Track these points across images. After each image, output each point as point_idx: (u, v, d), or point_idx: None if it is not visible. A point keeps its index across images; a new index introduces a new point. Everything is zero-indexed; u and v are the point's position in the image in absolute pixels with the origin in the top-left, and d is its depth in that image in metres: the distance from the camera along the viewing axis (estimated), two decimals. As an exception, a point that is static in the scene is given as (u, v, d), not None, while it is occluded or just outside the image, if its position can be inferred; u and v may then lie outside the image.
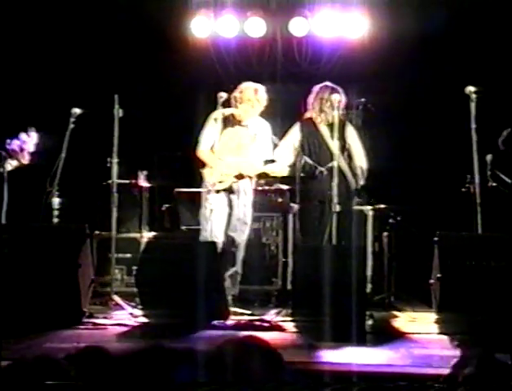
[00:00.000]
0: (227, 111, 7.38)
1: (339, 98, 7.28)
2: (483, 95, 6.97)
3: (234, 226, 7.31)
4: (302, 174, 7.39)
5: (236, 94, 7.37)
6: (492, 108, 7.56)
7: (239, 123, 7.39)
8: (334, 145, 7.17)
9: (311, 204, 7.35)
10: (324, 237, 7.17)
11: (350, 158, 7.37)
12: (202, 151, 7.39)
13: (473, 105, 6.97)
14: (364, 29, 8.91)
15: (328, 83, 7.45)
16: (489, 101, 7.08)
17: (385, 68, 8.64)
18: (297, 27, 9.00)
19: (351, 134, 7.37)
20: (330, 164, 7.17)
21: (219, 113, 7.34)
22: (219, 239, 7.16)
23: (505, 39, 8.51)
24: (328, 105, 7.33)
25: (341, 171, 7.21)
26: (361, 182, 7.37)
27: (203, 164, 7.41)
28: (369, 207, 7.76)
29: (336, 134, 7.09)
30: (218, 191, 7.24)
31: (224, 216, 7.29)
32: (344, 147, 7.29)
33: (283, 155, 7.42)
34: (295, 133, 7.44)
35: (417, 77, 8.66)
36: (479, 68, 8.24)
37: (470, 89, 7.00)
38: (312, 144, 7.37)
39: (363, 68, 8.69)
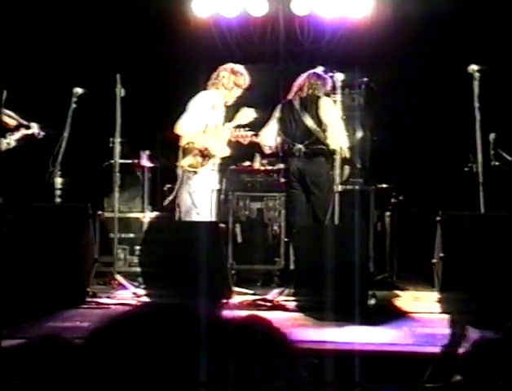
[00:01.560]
0: (221, 97, 7.32)
1: (317, 79, 7.29)
2: (486, 74, 6.95)
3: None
4: (281, 153, 7.41)
5: (239, 79, 7.30)
6: (496, 87, 7.54)
7: (222, 106, 7.35)
8: (307, 120, 7.16)
9: (294, 182, 7.35)
10: (311, 216, 7.20)
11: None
12: (193, 131, 7.25)
13: (476, 84, 6.94)
14: (368, 9, 8.87)
15: (313, 70, 7.42)
16: (492, 80, 7.06)
17: (387, 48, 8.61)
18: (300, 6, 8.97)
19: (325, 106, 7.27)
20: (307, 141, 7.17)
21: (216, 99, 7.27)
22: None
23: (509, 18, 8.47)
24: (306, 83, 7.32)
25: (320, 147, 7.19)
26: (346, 151, 7.26)
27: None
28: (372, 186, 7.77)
29: (308, 108, 7.15)
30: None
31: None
32: (320, 122, 7.24)
33: (267, 135, 7.42)
34: (275, 114, 7.43)
35: (420, 56, 8.64)
36: (482, 47, 8.20)
37: (473, 67, 6.98)
38: (289, 122, 7.36)
39: (365, 48, 8.66)
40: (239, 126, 7.36)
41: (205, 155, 7.17)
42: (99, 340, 1.60)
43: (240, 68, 7.37)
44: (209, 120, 7.20)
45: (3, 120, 7.35)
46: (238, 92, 7.35)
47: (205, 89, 7.37)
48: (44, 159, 7.47)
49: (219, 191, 7.41)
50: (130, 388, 1.50)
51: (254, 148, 7.71)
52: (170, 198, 7.30)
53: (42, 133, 7.45)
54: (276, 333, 1.76)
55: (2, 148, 7.34)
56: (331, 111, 7.24)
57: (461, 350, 2.51)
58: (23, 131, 7.39)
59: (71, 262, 6.32)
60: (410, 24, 8.53)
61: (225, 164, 7.54)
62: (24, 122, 7.42)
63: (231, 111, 7.40)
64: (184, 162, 7.17)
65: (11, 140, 7.37)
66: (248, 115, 7.24)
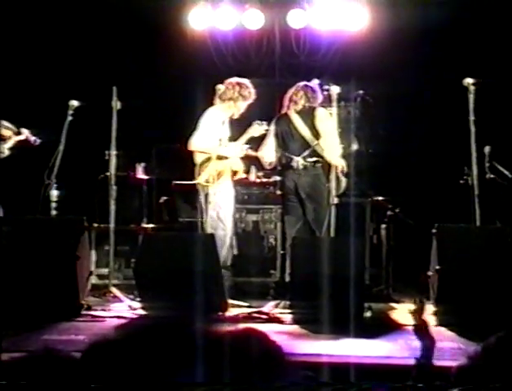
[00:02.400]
0: (229, 111, 7.34)
1: (310, 92, 7.31)
2: (481, 87, 6.97)
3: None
4: (279, 167, 7.42)
5: (245, 91, 7.32)
6: (491, 100, 7.56)
7: (226, 121, 7.38)
8: (305, 131, 7.18)
9: (290, 195, 7.35)
10: (307, 228, 7.21)
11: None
12: (205, 145, 7.27)
13: (471, 97, 6.96)
14: (363, 22, 8.89)
15: (305, 82, 7.43)
16: (487, 93, 7.08)
17: (383, 61, 8.63)
18: (295, 19, 8.99)
19: (320, 117, 7.25)
20: (306, 152, 7.18)
21: (223, 115, 7.30)
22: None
23: (504, 31, 8.51)
24: (299, 95, 7.33)
25: (318, 159, 7.20)
26: (341, 164, 7.26)
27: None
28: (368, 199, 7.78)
29: (305, 120, 7.18)
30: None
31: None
32: (317, 133, 7.24)
33: (268, 152, 7.44)
34: (272, 128, 7.43)
35: (415, 70, 8.66)
36: (478, 60, 8.23)
37: (469, 81, 7.00)
38: (286, 136, 7.36)
39: (361, 61, 8.69)
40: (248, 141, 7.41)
41: (219, 171, 7.19)
42: (96, 354, 1.60)
43: (245, 80, 7.40)
44: (221, 135, 7.23)
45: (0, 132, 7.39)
46: (244, 105, 7.36)
47: (211, 104, 7.38)
48: (40, 171, 7.47)
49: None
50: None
51: (250, 161, 7.72)
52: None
53: (39, 141, 7.48)
54: (272, 346, 1.76)
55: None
56: (326, 121, 7.24)
57: (454, 363, 2.51)
58: (14, 138, 7.43)
59: (66, 275, 6.30)
60: (405, 38, 8.55)
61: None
62: (15, 129, 7.45)
63: (236, 124, 7.43)
64: (200, 179, 7.19)
65: (4, 149, 7.41)
66: (260, 128, 7.27)
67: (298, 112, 7.30)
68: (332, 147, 7.18)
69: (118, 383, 1.52)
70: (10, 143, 7.46)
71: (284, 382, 1.65)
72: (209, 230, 7.10)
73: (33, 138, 7.46)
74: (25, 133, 7.40)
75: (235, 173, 7.40)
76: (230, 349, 1.61)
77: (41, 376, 1.72)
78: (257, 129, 7.26)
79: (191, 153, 7.32)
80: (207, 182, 7.18)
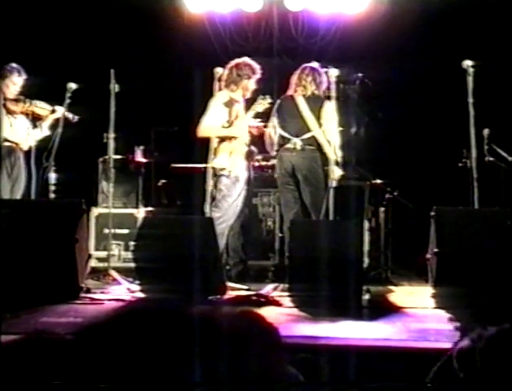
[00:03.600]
0: (236, 93, 7.29)
1: (318, 77, 7.28)
2: (480, 69, 6.95)
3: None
4: (276, 147, 7.40)
5: (244, 70, 7.26)
6: (490, 82, 7.55)
7: (237, 102, 7.32)
8: (309, 117, 7.17)
9: (287, 177, 7.34)
10: (305, 211, 7.21)
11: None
12: (211, 126, 7.18)
13: (470, 79, 6.95)
14: (362, 4, 8.86)
15: (311, 64, 7.41)
16: (486, 75, 7.06)
17: (382, 44, 8.62)
18: (294, 1, 8.95)
19: (327, 110, 7.25)
20: (306, 136, 7.18)
21: (232, 98, 7.25)
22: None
23: (503, 13, 8.48)
24: (308, 80, 7.31)
25: (317, 143, 7.20)
26: (338, 156, 7.25)
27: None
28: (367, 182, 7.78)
29: (311, 107, 7.17)
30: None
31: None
32: (319, 121, 7.23)
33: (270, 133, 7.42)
34: (275, 111, 7.40)
35: (414, 52, 8.64)
36: (477, 43, 8.21)
37: (468, 63, 6.98)
38: (288, 116, 7.33)
39: (360, 43, 8.67)
40: (256, 116, 7.35)
41: (231, 150, 7.15)
42: (91, 336, 1.60)
43: (242, 59, 7.32)
44: (225, 117, 7.17)
45: (35, 112, 7.49)
46: (251, 82, 7.29)
47: (210, 87, 7.36)
48: (38, 154, 7.48)
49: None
50: (122, 385, 1.50)
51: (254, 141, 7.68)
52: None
53: (77, 117, 7.54)
54: (268, 327, 1.75)
55: (36, 138, 7.51)
56: (332, 116, 7.24)
57: (455, 346, 2.51)
58: (51, 116, 7.51)
59: (65, 258, 6.30)
60: (404, 20, 8.52)
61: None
62: (50, 108, 7.53)
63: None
64: (215, 162, 7.14)
65: (43, 128, 7.53)
66: (264, 102, 7.21)
67: (305, 98, 7.28)
68: (332, 140, 7.18)
69: (111, 367, 1.52)
70: (48, 122, 7.57)
71: (280, 364, 1.65)
72: (210, 214, 7.08)
73: (70, 115, 7.53)
74: (61, 111, 7.46)
75: (250, 153, 7.35)
76: (225, 330, 1.60)
77: (33, 358, 1.72)
78: (261, 103, 7.20)
79: (200, 138, 7.26)
80: (221, 163, 7.12)
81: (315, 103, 7.24)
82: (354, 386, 1.95)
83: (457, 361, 2.38)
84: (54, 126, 7.52)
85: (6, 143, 7.41)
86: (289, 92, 7.41)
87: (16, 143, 7.50)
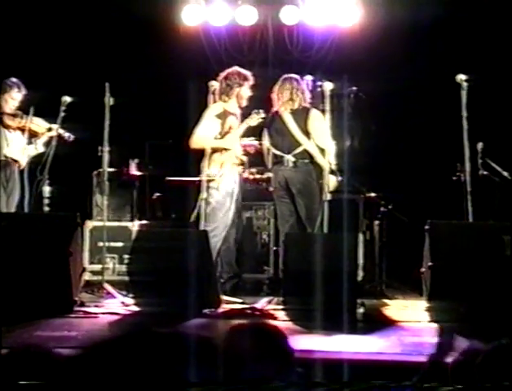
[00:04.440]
0: (229, 104, 7.30)
1: (297, 85, 7.30)
2: (474, 83, 6.98)
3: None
4: (270, 164, 7.42)
5: (234, 79, 7.27)
6: (483, 97, 7.57)
7: (232, 114, 7.33)
8: (297, 132, 7.18)
9: (282, 191, 7.35)
10: (299, 225, 7.21)
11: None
12: (203, 137, 7.21)
13: (464, 93, 6.97)
14: (356, 18, 8.89)
15: (288, 75, 7.43)
16: (480, 89, 7.09)
17: (376, 57, 8.63)
18: (289, 15, 8.97)
19: (314, 119, 7.26)
20: (297, 150, 7.19)
21: (226, 109, 7.27)
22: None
23: (497, 27, 8.52)
24: (289, 92, 7.32)
25: (310, 155, 7.21)
26: (332, 164, 7.25)
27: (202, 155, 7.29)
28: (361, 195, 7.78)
29: (297, 119, 7.20)
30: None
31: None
32: (308, 132, 7.24)
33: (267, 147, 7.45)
34: (265, 127, 7.43)
35: (409, 66, 8.66)
36: (470, 57, 8.24)
37: (461, 77, 7.01)
38: (277, 133, 7.35)
39: (354, 57, 8.69)
40: (247, 135, 7.37)
41: (222, 162, 7.15)
42: (90, 355, 1.60)
43: (232, 69, 7.35)
44: (218, 129, 7.19)
45: (32, 128, 7.47)
46: (243, 90, 7.30)
47: (205, 100, 7.37)
48: (33, 167, 7.48)
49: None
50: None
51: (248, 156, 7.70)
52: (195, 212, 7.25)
53: (73, 137, 7.53)
54: (283, 341, 1.76)
55: (30, 154, 7.50)
56: (320, 123, 7.24)
57: (448, 359, 2.51)
58: (47, 134, 7.50)
59: (59, 271, 6.29)
60: (399, 34, 8.55)
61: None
62: (47, 125, 7.52)
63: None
64: (208, 171, 7.14)
65: (38, 145, 7.52)
66: (257, 117, 7.22)
67: (291, 112, 7.29)
68: (325, 148, 7.19)
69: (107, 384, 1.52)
70: (43, 139, 7.56)
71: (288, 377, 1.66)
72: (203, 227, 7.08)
73: (66, 135, 7.52)
74: (56, 130, 7.45)
75: (241, 164, 7.36)
76: (240, 339, 1.60)
77: (22, 372, 1.72)
78: (254, 118, 7.22)
79: (194, 150, 7.27)
80: (211, 175, 7.12)
81: (301, 115, 7.25)
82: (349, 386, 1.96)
83: (452, 375, 2.38)
84: (48, 144, 7.51)
85: (2, 157, 7.41)
86: (275, 108, 7.42)
87: (12, 158, 7.50)
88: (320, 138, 7.21)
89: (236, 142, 7.25)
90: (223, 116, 7.22)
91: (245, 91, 7.31)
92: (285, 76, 7.43)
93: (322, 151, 7.20)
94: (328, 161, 7.17)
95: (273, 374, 1.59)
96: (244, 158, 7.45)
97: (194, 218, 7.20)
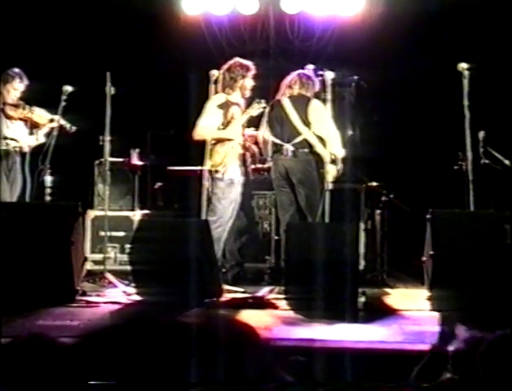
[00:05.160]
0: (232, 95, 7.29)
1: (306, 79, 7.30)
2: (475, 72, 6.96)
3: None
4: (270, 153, 7.40)
5: (237, 70, 7.25)
6: (485, 85, 7.56)
7: (235, 104, 7.31)
8: (296, 120, 7.17)
9: (282, 180, 7.35)
10: (300, 214, 7.21)
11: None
12: (206, 128, 7.18)
13: (465, 82, 6.96)
14: (358, 7, 8.87)
15: (303, 71, 7.41)
16: (482, 78, 7.07)
17: (378, 46, 8.62)
18: (290, 4, 8.96)
19: (315, 108, 7.25)
20: (297, 140, 7.18)
21: (229, 99, 7.25)
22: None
23: (499, 15, 8.49)
24: (296, 82, 7.32)
25: (310, 145, 7.19)
26: (336, 152, 7.24)
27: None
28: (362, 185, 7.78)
29: (297, 108, 7.17)
30: None
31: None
32: (308, 124, 7.23)
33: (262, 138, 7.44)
34: (265, 116, 7.41)
35: (410, 54, 8.64)
36: (472, 45, 8.22)
37: (463, 65, 7.00)
38: (277, 122, 7.34)
39: (355, 46, 8.67)
40: (248, 126, 7.36)
41: (226, 153, 7.14)
42: (87, 342, 1.60)
43: (234, 60, 7.31)
44: (220, 119, 7.17)
45: (33, 119, 7.46)
46: (247, 81, 7.28)
47: (206, 89, 7.34)
48: (34, 157, 7.48)
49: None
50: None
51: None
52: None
53: (74, 128, 7.52)
54: (246, 330, 1.75)
55: (31, 145, 7.49)
56: (322, 112, 7.22)
57: (450, 348, 2.51)
58: (48, 125, 7.49)
59: (61, 260, 6.30)
60: (400, 22, 8.54)
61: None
62: (49, 116, 7.51)
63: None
64: (209, 164, 7.13)
65: (39, 135, 7.51)
66: (258, 106, 7.21)
67: (291, 99, 7.28)
68: (326, 137, 7.18)
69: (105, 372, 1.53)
70: (44, 130, 7.55)
71: (260, 365, 1.65)
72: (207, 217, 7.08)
73: (68, 126, 7.51)
74: (58, 121, 7.44)
75: (244, 155, 7.34)
76: (204, 336, 1.60)
77: (27, 362, 1.73)
78: (255, 107, 7.21)
79: (196, 141, 7.26)
80: (213, 166, 7.12)
81: (301, 102, 7.23)
82: (350, 386, 1.95)
83: (452, 363, 2.38)
84: (49, 134, 7.50)
85: (4, 147, 7.41)
86: (277, 96, 7.40)
87: (14, 148, 7.49)
88: (321, 128, 7.19)
89: (238, 132, 7.24)
90: (226, 106, 7.20)
91: (249, 82, 7.29)
92: (297, 71, 7.40)
93: (322, 140, 7.19)
94: (328, 151, 7.16)
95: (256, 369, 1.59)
96: (255, 148, 7.43)
97: (205, 207, 7.18)
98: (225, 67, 7.28)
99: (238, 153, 7.24)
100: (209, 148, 7.14)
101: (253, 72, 7.30)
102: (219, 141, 7.18)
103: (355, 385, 1.96)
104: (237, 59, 7.32)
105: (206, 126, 7.14)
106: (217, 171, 7.11)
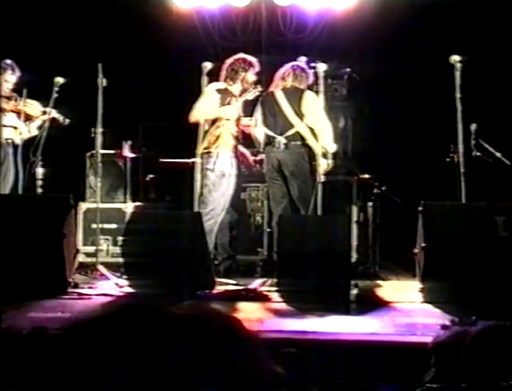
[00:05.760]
0: (233, 87, 7.29)
1: (300, 71, 7.29)
2: (467, 64, 6.97)
3: None
4: (263, 145, 7.41)
5: (251, 74, 7.28)
6: (477, 78, 7.57)
7: (234, 95, 7.31)
8: (289, 112, 7.17)
9: (274, 173, 7.35)
10: (293, 206, 7.22)
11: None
12: (203, 110, 7.18)
13: (458, 74, 6.97)
14: (350, 0, 8.86)
15: (297, 62, 7.41)
16: (474, 70, 7.08)
17: (370, 38, 8.62)
18: (282, -4, 8.95)
19: (308, 100, 7.24)
20: (290, 132, 7.18)
21: (228, 89, 7.26)
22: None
23: (491, 8, 8.50)
24: (290, 74, 7.31)
25: (302, 138, 7.19)
26: (328, 146, 7.25)
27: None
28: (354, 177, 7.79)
29: (290, 100, 7.16)
30: None
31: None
32: (301, 116, 7.22)
33: (259, 130, 7.43)
34: (257, 108, 7.41)
35: (402, 47, 8.65)
36: (464, 38, 8.23)
37: (455, 58, 7.00)
38: (269, 114, 7.34)
39: (348, 38, 8.67)
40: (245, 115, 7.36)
41: (217, 135, 7.14)
42: (78, 333, 1.60)
43: (238, 55, 7.34)
44: (218, 102, 7.18)
45: (26, 111, 7.42)
46: (249, 75, 7.28)
47: (198, 81, 7.37)
48: (26, 148, 7.45)
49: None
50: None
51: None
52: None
53: (68, 120, 7.50)
54: (234, 325, 1.74)
55: (23, 137, 7.46)
56: (315, 104, 7.22)
57: (432, 340, 2.51)
58: (42, 117, 7.45)
59: (52, 252, 6.29)
60: (392, 15, 8.54)
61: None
62: (42, 108, 7.47)
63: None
64: (201, 146, 7.14)
65: (32, 128, 7.47)
66: (254, 91, 7.21)
67: (284, 91, 7.27)
68: (318, 130, 7.17)
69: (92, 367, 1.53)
70: (37, 122, 7.52)
71: (246, 361, 1.65)
72: (198, 209, 7.08)
73: (61, 118, 7.48)
74: (52, 113, 7.41)
75: (236, 143, 7.33)
76: (190, 330, 1.60)
77: (31, 355, 1.73)
78: (251, 91, 7.22)
79: (195, 125, 7.26)
80: (206, 148, 7.13)
81: (295, 95, 7.23)
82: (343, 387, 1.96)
83: (434, 354, 2.38)
84: (41, 127, 7.47)
85: None
86: (271, 88, 7.40)
87: (5, 140, 7.46)
88: (314, 120, 7.19)
89: (234, 112, 7.23)
90: (224, 92, 7.23)
91: (251, 76, 7.31)
92: (291, 63, 7.39)
93: (314, 133, 7.18)
94: (320, 144, 7.16)
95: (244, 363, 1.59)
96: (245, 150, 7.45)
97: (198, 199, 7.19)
98: (229, 61, 7.30)
99: (231, 144, 7.23)
100: (203, 132, 7.16)
101: (256, 68, 7.32)
102: (214, 122, 7.17)
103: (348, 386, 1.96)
104: (241, 54, 7.37)
105: (203, 109, 7.14)
106: (209, 152, 7.11)
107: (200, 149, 7.15)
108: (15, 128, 7.53)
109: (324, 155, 7.21)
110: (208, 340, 1.56)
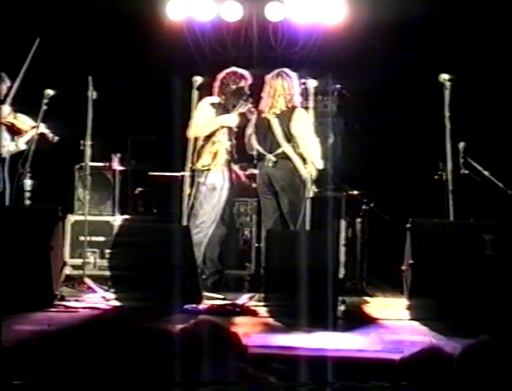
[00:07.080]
0: (221, 101, 7.31)
1: (289, 81, 7.29)
2: (456, 83, 7.01)
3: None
4: (254, 162, 7.43)
5: (243, 81, 7.30)
6: (466, 96, 7.61)
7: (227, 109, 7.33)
8: (278, 133, 7.18)
9: (265, 188, 7.35)
10: (282, 222, 7.22)
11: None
12: (201, 124, 7.22)
13: (447, 93, 7.00)
14: (341, 15, 8.90)
15: (282, 70, 7.42)
16: (463, 89, 7.12)
17: (360, 55, 8.66)
18: (273, 11, 8.98)
19: (298, 119, 7.24)
20: (278, 151, 7.18)
21: (215, 99, 7.28)
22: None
23: (480, 27, 8.56)
24: (272, 91, 7.32)
25: (288, 158, 7.20)
26: (316, 162, 7.26)
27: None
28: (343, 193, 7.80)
29: (281, 121, 7.19)
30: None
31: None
32: (290, 134, 7.23)
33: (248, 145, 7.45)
34: (249, 125, 7.43)
35: (392, 64, 8.68)
36: (454, 56, 8.28)
37: (444, 76, 7.04)
38: (261, 133, 7.35)
39: (338, 54, 8.70)
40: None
41: (213, 152, 7.15)
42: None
43: (230, 69, 7.38)
44: (213, 115, 7.21)
45: (16, 125, 7.39)
46: (240, 88, 7.31)
47: (188, 95, 7.38)
48: (14, 160, 7.43)
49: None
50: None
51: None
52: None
53: (57, 138, 7.47)
54: (226, 334, 1.75)
55: (11, 151, 7.41)
56: (305, 123, 7.23)
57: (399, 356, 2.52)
58: (31, 132, 7.41)
59: (39, 265, 6.26)
60: (383, 32, 8.58)
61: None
62: (32, 123, 7.44)
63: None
64: (198, 164, 7.14)
65: (19, 142, 7.43)
66: (246, 103, 7.23)
67: (277, 116, 7.27)
68: (310, 150, 7.18)
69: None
70: (26, 137, 7.47)
71: (235, 368, 1.65)
72: (187, 223, 7.07)
73: (50, 135, 7.46)
74: (41, 129, 7.38)
75: (229, 158, 7.34)
76: (184, 340, 1.60)
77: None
78: (243, 105, 7.24)
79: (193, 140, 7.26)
80: (205, 166, 7.13)
81: (286, 116, 7.23)
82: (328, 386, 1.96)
83: (404, 370, 2.39)
84: (29, 142, 7.42)
85: None
86: (261, 106, 7.38)
87: None
88: (302, 141, 7.19)
89: (234, 120, 7.23)
90: (218, 106, 7.25)
91: (242, 89, 7.32)
92: (279, 70, 7.41)
93: (304, 160, 7.19)
94: (309, 170, 7.16)
95: (229, 372, 1.59)
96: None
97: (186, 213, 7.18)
98: (221, 75, 7.32)
99: (223, 158, 7.24)
100: (198, 149, 7.16)
101: (249, 81, 7.35)
102: (209, 137, 7.17)
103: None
104: (233, 68, 7.39)
105: (201, 124, 7.16)
106: (209, 170, 7.11)
107: (197, 165, 7.16)
108: (3, 142, 7.48)
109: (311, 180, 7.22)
110: (196, 353, 1.56)
